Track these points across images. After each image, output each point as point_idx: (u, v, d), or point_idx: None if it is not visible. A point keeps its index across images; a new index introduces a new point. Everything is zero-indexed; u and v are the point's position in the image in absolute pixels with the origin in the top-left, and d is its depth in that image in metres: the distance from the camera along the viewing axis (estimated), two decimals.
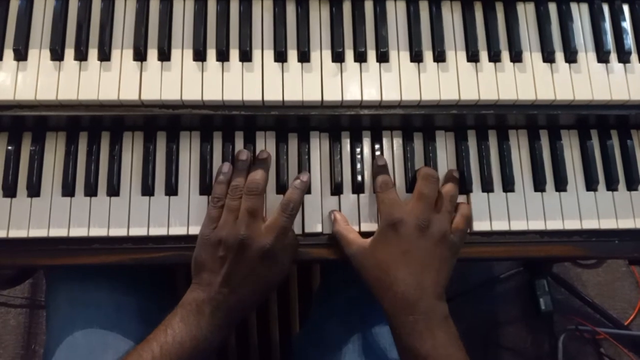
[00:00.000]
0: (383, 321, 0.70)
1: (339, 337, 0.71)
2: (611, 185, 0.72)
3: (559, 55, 0.69)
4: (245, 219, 0.63)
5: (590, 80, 0.68)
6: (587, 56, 0.69)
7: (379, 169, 0.69)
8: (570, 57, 0.69)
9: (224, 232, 0.63)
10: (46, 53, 0.65)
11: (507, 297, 1.41)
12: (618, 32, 0.70)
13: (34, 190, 0.67)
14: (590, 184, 0.71)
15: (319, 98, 0.66)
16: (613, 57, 0.70)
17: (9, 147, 0.68)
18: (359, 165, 0.71)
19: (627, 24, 0.71)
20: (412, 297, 0.61)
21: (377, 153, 0.71)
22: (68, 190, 0.68)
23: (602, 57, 0.69)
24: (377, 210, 0.69)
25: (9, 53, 0.65)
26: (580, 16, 0.71)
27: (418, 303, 0.60)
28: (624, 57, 0.69)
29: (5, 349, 1.36)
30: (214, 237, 0.64)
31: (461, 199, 0.70)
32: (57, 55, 0.65)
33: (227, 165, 0.68)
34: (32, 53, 0.66)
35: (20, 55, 0.65)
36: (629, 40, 0.70)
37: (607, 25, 0.71)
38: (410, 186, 0.70)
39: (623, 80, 0.69)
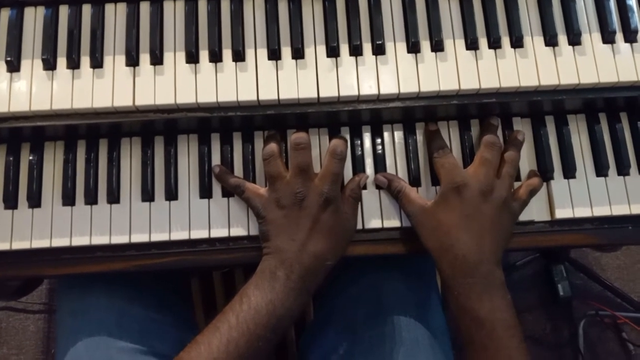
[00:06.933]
0: (383, 321, 0.69)
1: (340, 338, 0.70)
2: (622, 170, 0.69)
3: (562, 38, 0.67)
4: (298, 176, 0.63)
5: (596, 63, 0.66)
6: (591, 37, 0.67)
7: (432, 134, 0.68)
8: (574, 39, 0.66)
9: (278, 194, 0.63)
10: (38, 63, 0.65)
11: (524, 284, 1.39)
12: (623, 11, 0.68)
13: (34, 201, 0.67)
14: (601, 170, 0.69)
15: (315, 95, 0.65)
16: (619, 37, 0.67)
17: (8, 159, 0.68)
18: (360, 161, 0.69)
19: (632, 1, 0.68)
20: (473, 261, 0.61)
21: (379, 147, 0.70)
22: (68, 199, 0.67)
23: (608, 37, 0.67)
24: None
25: (1, 65, 0.65)
26: None
27: (478, 266, 0.61)
28: (630, 37, 0.67)
29: (25, 355, 1.37)
30: (270, 203, 0.63)
31: None
32: (49, 64, 0.65)
33: (217, 167, 0.68)
34: (25, 63, 0.65)
35: (13, 66, 0.65)
36: (635, 19, 0.67)
37: (612, 3, 0.68)
38: (413, 179, 0.69)
39: (630, 61, 0.66)
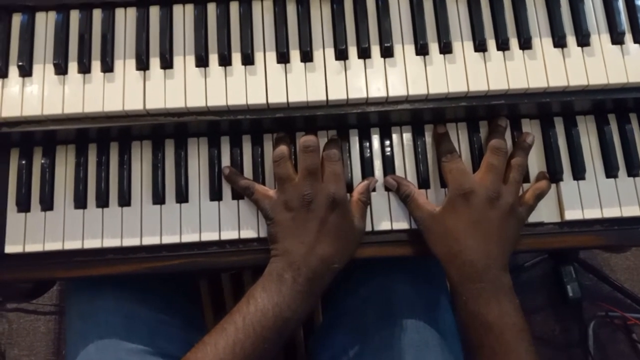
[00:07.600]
0: (392, 322, 0.69)
1: (349, 340, 0.70)
2: (632, 171, 0.69)
3: (571, 40, 0.67)
4: (306, 179, 0.63)
5: (605, 64, 0.66)
6: (600, 38, 0.67)
7: (441, 137, 0.69)
8: (583, 40, 0.66)
9: (287, 196, 0.64)
10: (50, 67, 0.66)
11: (533, 285, 1.39)
12: (632, 11, 0.67)
13: (46, 204, 0.68)
14: (610, 171, 0.69)
15: (323, 98, 0.65)
16: (628, 37, 0.67)
17: (20, 162, 0.69)
18: (369, 163, 0.70)
19: None
20: (481, 266, 0.62)
21: (387, 149, 0.70)
22: (80, 202, 0.68)
23: (617, 38, 0.67)
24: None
25: (13, 69, 0.66)
26: None
27: (486, 272, 0.62)
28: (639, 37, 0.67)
29: (36, 356, 1.38)
30: (279, 205, 0.64)
31: None
32: (60, 69, 0.65)
33: (227, 168, 0.68)
34: (37, 68, 0.66)
35: (25, 71, 0.65)
36: None
37: (621, 4, 0.68)
38: (422, 181, 0.69)
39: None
